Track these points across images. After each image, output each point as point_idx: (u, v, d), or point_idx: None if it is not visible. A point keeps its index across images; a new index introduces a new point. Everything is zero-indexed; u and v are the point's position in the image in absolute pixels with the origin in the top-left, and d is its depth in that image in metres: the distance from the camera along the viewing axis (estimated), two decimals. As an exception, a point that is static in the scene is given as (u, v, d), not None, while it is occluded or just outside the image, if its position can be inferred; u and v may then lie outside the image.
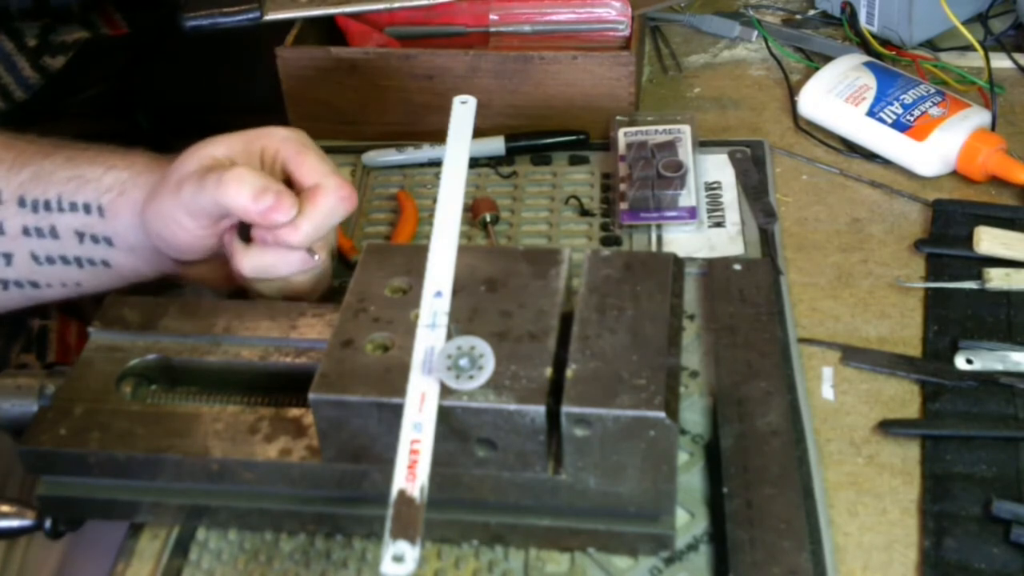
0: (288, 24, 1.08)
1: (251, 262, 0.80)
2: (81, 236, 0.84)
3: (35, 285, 0.87)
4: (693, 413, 0.80)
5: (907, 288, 0.90)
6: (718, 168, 1.03)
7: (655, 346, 0.69)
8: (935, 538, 0.71)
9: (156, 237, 0.82)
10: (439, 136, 0.77)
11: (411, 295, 0.73)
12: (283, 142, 0.80)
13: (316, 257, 0.80)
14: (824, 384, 0.82)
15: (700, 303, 0.88)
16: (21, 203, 0.84)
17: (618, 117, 1.05)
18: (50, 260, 0.85)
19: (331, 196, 0.78)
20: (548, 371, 0.67)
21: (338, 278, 0.92)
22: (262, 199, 0.75)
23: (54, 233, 0.84)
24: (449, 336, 0.66)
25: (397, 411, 0.64)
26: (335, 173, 0.80)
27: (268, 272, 0.80)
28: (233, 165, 0.78)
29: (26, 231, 0.84)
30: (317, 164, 0.79)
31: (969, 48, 1.11)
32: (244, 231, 0.80)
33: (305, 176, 0.79)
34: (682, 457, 0.76)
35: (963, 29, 1.08)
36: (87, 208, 0.83)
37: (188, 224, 0.79)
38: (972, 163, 0.98)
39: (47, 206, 0.84)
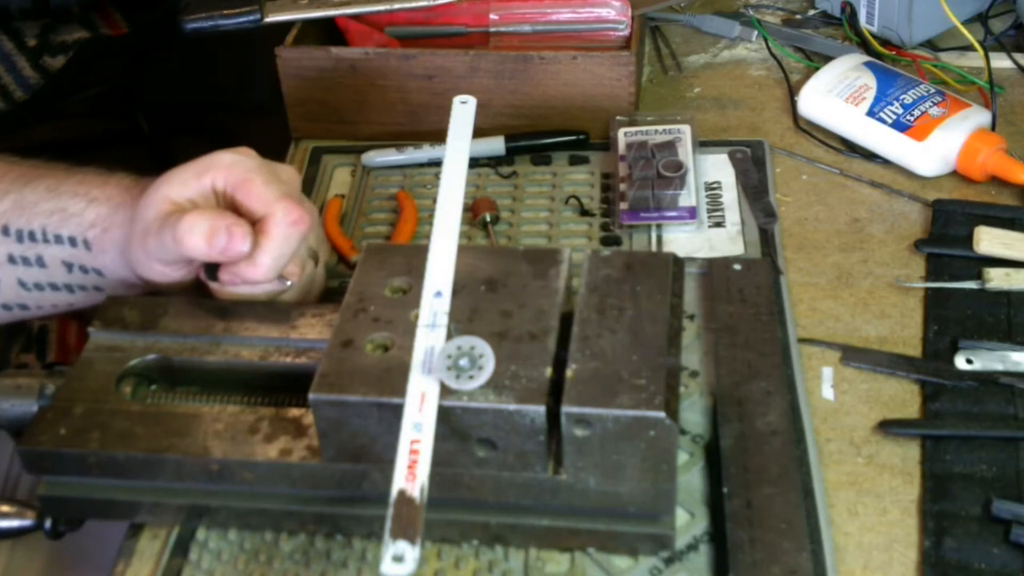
0: (288, 24, 1.08)
1: (227, 296, 0.80)
2: (69, 266, 0.84)
3: (24, 307, 0.87)
4: (693, 413, 0.80)
5: (907, 288, 0.90)
6: (718, 168, 1.03)
7: (655, 346, 0.69)
8: (935, 538, 0.71)
9: (142, 277, 0.82)
10: (439, 136, 0.77)
11: (411, 295, 0.73)
12: (229, 170, 0.79)
13: (288, 283, 0.80)
14: (824, 384, 0.82)
15: (700, 303, 0.88)
16: (5, 232, 0.83)
17: (618, 117, 1.05)
18: (39, 287, 0.85)
19: (281, 224, 0.77)
20: (548, 371, 0.67)
21: (338, 278, 0.92)
22: (215, 240, 0.75)
23: (41, 262, 0.84)
24: (449, 336, 0.66)
25: (397, 411, 0.64)
26: (282, 197, 0.78)
27: (246, 300, 0.80)
28: (190, 208, 0.78)
29: (12, 259, 0.84)
30: (263, 192, 0.78)
31: (969, 48, 1.11)
32: (212, 268, 0.79)
33: (253, 206, 0.78)
34: (682, 457, 0.76)
35: (963, 29, 1.08)
36: (73, 241, 0.83)
37: (163, 270, 0.80)
38: (972, 163, 0.98)
39: (32, 236, 0.83)
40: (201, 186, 0.79)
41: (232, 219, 0.76)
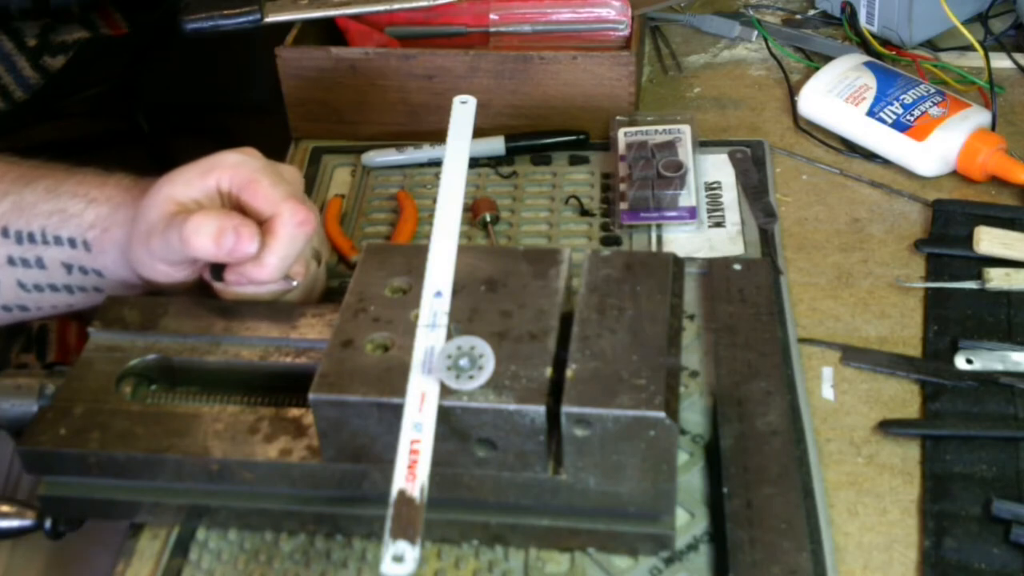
0: (288, 24, 1.08)
1: (231, 296, 0.80)
2: (69, 267, 0.84)
3: (24, 309, 0.87)
4: (693, 413, 0.80)
5: (907, 288, 0.90)
6: (718, 168, 1.03)
7: (655, 346, 0.69)
8: (935, 538, 0.71)
9: (143, 277, 0.82)
10: (439, 136, 0.77)
11: (411, 295, 0.73)
12: (234, 170, 0.79)
13: (293, 283, 0.80)
14: (824, 384, 0.82)
15: (700, 303, 0.88)
16: (4, 233, 0.83)
17: (618, 117, 1.05)
18: (38, 288, 0.85)
19: (288, 225, 0.77)
20: (548, 371, 0.67)
21: (338, 278, 0.92)
22: (223, 241, 0.75)
23: (40, 264, 0.84)
24: (449, 336, 0.66)
25: (397, 411, 0.64)
26: (289, 197, 0.78)
27: (250, 300, 0.80)
28: (195, 208, 0.78)
29: (11, 261, 0.84)
30: (269, 192, 0.78)
31: (969, 48, 1.11)
32: (217, 269, 0.79)
33: (260, 207, 0.78)
34: (682, 457, 0.76)
35: (963, 29, 1.08)
36: (72, 243, 0.83)
37: (167, 270, 0.80)
38: (972, 163, 0.98)
39: (31, 238, 0.83)
40: (205, 186, 0.79)
41: (239, 219, 0.76)
